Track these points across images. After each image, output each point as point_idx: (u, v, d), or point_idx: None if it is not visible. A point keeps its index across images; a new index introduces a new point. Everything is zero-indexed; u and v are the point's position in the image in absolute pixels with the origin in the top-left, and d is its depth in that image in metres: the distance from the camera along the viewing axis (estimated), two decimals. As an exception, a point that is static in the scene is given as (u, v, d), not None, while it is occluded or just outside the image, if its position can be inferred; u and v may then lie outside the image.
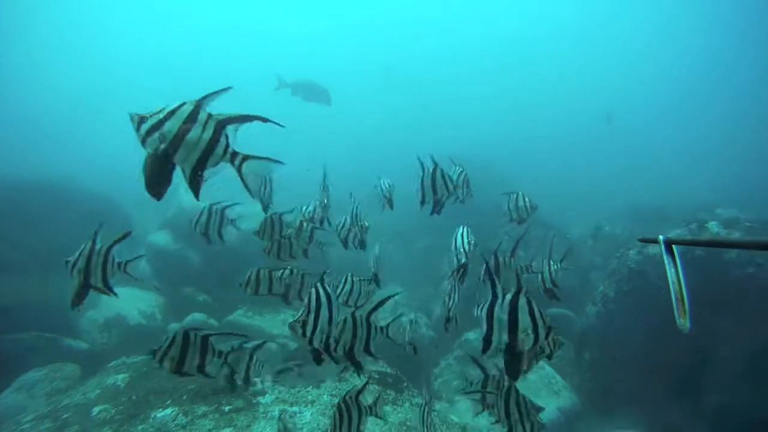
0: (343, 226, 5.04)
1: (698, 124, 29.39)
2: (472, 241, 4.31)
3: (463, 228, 4.37)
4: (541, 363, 7.89)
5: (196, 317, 8.54)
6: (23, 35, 26.95)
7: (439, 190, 4.30)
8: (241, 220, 10.89)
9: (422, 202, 4.38)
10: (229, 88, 2.06)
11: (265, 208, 5.08)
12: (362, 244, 5.14)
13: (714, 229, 6.64)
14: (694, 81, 30.93)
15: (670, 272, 1.27)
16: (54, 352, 7.15)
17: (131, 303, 8.63)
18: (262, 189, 4.92)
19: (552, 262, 4.56)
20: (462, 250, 4.29)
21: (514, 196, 5.14)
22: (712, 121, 29.12)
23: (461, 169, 4.78)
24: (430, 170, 4.26)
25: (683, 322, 1.23)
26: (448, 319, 3.96)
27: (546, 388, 7.35)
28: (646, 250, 7.18)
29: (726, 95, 29.75)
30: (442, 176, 4.27)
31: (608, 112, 20.46)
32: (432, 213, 4.50)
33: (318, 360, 2.96)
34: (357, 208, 5.09)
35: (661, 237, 1.35)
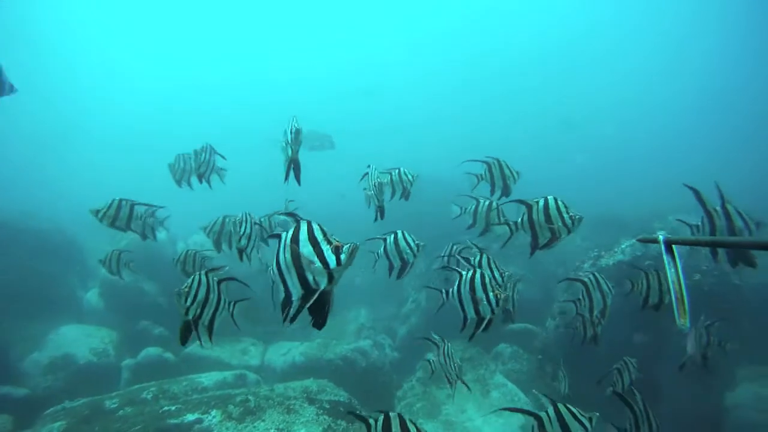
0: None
1: (658, 128, 30.34)
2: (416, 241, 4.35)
3: (401, 232, 4.36)
4: (503, 380, 7.87)
5: (151, 351, 8.22)
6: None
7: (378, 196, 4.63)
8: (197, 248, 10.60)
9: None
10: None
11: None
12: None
13: (661, 238, 6.76)
14: (640, 85, 31.96)
15: (670, 272, 1.28)
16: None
17: (81, 341, 8.26)
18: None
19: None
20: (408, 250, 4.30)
21: (496, 163, 4.89)
22: (674, 124, 30.08)
23: (397, 170, 5.00)
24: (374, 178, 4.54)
25: (683, 321, 1.24)
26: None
27: (509, 405, 7.29)
28: (599, 263, 7.27)
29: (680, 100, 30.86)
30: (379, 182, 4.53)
31: (566, 119, 20.88)
32: (375, 220, 4.80)
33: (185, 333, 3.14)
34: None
35: (661, 237, 1.36)
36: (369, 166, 4.85)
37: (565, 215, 3.66)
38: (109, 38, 33.38)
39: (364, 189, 4.84)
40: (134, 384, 7.44)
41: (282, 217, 5.72)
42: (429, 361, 4.82)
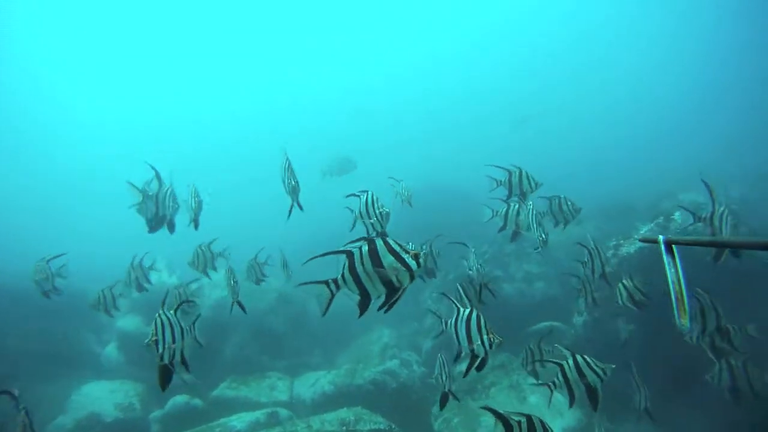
0: None
1: (648, 112, 30.40)
2: (383, 207, 4.32)
3: (369, 194, 4.33)
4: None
5: (178, 400, 8.06)
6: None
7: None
8: (207, 290, 10.49)
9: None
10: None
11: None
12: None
13: (679, 219, 6.71)
14: (637, 69, 32.12)
15: (670, 272, 1.28)
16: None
17: (105, 398, 8.10)
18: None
19: None
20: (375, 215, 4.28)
21: (556, 200, 5.46)
22: (665, 108, 30.13)
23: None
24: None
25: (683, 321, 1.25)
26: None
27: (549, 408, 7.14)
28: (620, 252, 7.18)
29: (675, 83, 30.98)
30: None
31: (522, 115, 20.93)
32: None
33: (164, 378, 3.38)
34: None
35: (661, 237, 1.34)
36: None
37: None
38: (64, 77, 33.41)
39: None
40: (165, 435, 7.31)
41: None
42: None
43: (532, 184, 5.12)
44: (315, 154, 13.24)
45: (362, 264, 2.54)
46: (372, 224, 4.25)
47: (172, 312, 3.35)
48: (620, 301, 5.43)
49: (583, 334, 7.60)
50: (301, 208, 4.44)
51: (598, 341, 7.41)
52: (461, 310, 3.44)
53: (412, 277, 2.51)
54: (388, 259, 2.50)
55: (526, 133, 22.50)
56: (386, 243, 2.54)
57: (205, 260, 6.35)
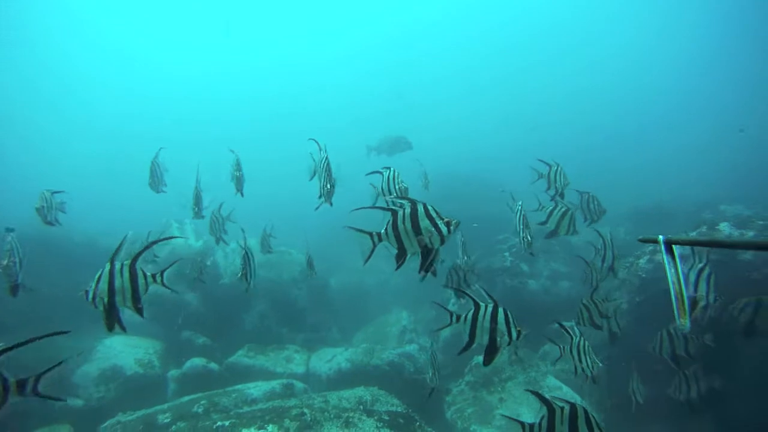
0: None
1: (689, 122, 29.42)
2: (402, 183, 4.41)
3: (391, 171, 4.39)
4: (557, 383, 7.61)
5: (196, 362, 8.20)
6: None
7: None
8: (236, 255, 10.59)
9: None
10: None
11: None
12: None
13: (726, 230, 6.44)
14: (686, 77, 31.05)
15: (670, 272, 1.28)
16: (47, 412, 6.78)
17: (127, 352, 8.28)
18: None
19: None
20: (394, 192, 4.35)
21: (586, 196, 5.75)
22: (706, 119, 29.12)
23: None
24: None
25: (683, 321, 1.24)
26: None
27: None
28: (656, 258, 6.95)
29: (721, 90, 29.83)
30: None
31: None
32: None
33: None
34: None
35: (661, 237, 1.34)
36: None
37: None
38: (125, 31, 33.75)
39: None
40: (181, 395, 7.43)
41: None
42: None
43: (562, 181, 5.49)
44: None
45: (403, 222, 2.85)
46: (392, 200, 4.21)
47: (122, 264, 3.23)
48: (582, 323, 5.34)
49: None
50: (331, 204, 4.50)
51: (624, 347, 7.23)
52: (482, 306, 3.32)
53: (442, 241, 2.82)
54: (425, 222, 2.81)
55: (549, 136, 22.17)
56: (425, 208, 2.83)
57: (218, 224, 6.80)
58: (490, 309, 3.28)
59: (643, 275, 6.92)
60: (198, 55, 36.31)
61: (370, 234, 2.92)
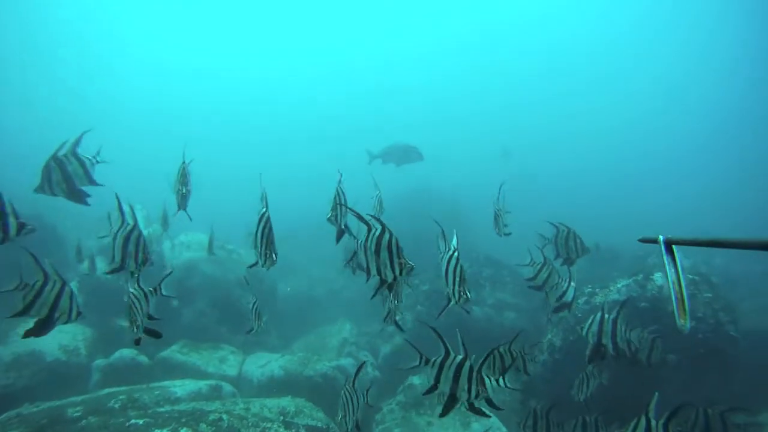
0: None
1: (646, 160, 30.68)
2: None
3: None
4: (488, 412, 7.66)
5: (124, 353, 7.91)
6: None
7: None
8: (183, 249, 10.36)
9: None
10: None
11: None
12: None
13: (659, 281, 6.66)
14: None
15: (670, 272, 1.28)
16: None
17: (51, 336, 7.84)
18: None
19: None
20: None
21: (564, 231, 5.13)
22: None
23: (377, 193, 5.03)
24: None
25: (683, 322, 1.24)
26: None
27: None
28: (593, 300, 7.13)
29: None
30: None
31: (504, 148, 20.80)
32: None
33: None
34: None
35: (660, 237, 1.35)
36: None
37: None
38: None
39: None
40: (105, 386, 7.13)
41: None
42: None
43: (578, 247, 5.04)
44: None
45: (368, 243, 2.99)
46: (369, 217, 4.11)
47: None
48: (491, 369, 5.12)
49: (542, 373, 7.54)
50: (351, 235, 3.95)
51: (555, 382, 7.37)
52: (452, 356, 3.21)
53: (394, 279, 2.94)
54: (383, 254, 2.90)
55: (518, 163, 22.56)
56: (389, 241, 2.90)
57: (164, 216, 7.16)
58: (458, 360, 3.19)
59: (579, 315, 7.07)
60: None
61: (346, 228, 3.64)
